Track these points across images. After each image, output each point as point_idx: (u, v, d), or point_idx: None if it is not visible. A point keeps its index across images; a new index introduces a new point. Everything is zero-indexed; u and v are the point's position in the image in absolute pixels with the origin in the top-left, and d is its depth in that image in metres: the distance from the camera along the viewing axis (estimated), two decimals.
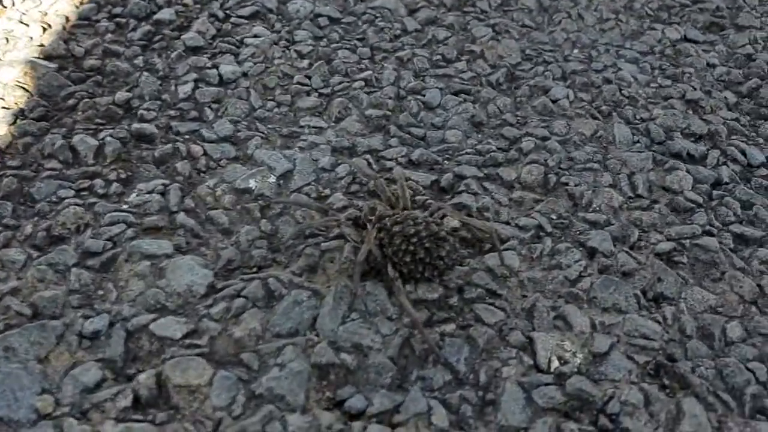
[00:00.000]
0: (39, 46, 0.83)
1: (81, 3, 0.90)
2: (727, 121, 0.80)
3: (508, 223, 0.67)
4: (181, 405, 0.52)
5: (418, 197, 0.69)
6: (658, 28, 0.94)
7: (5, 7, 0.88)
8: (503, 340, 0.58)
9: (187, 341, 0.56)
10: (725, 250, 0.66)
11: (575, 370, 0.56)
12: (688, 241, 0.67)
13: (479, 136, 0.77)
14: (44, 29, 0.86)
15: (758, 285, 0.63)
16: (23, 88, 0.77)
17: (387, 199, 0.65)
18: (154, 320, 0.57)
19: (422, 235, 0.59)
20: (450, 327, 0.58)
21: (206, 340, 0.56)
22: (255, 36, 0.88)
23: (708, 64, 0.90)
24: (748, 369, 0.57)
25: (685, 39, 0.93)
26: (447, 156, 0.74)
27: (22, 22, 0.86)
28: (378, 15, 0.93)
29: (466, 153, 0.74)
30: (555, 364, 0.56)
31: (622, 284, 0.62)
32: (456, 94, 0.82)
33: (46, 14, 0.88)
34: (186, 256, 0.62)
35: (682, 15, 0.97)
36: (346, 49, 0.87)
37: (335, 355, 0.56)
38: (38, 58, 0.81)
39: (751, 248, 0.67)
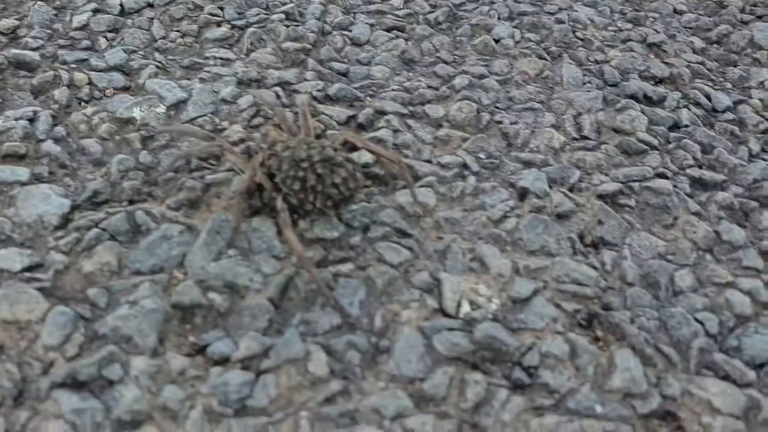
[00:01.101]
0: None
1: None
2: (692, 65, 0.71)
3: (429, 161, 0.58)
4: (7, 343, 0.43)
5: (329, 132, 0.60)
6: None
7: None
8: (407, 282, 0.48)
9: (27, 275, 0.47)
10: (680, 194, 0.57)
11: (489, 316, 0.47)
12: (637, 184, 0.57)
13: (409, 73, 0.68)
14: None
15: (715, 231, 0.54)
16: None
17: (288, 128, 0.56)
18: None
19: (314, 160, 0.50)
20: (347, 267, 0.49)
21: (50, 275, 0.47)
22: None
23: (675, 11, 0.81)
24: (696, 320, 0.47)
25: None
26: (370, 93, 0.65)
27: None
28: None
29: (392, 90, 0.65)
30: (465, 308, 0.47)
31: (555, 226, 0.53)
32: (388, 30, 0.73)
33: None
34: (43, 185, 0.53)
35: None
36: None
37: (202, 294, 0.46)
38: None
39: (710, 193, 0.57)
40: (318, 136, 0.58)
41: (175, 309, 0.46)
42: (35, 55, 0.65)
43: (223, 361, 0.43)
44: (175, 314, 0.46)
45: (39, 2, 0.72)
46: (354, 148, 0.56)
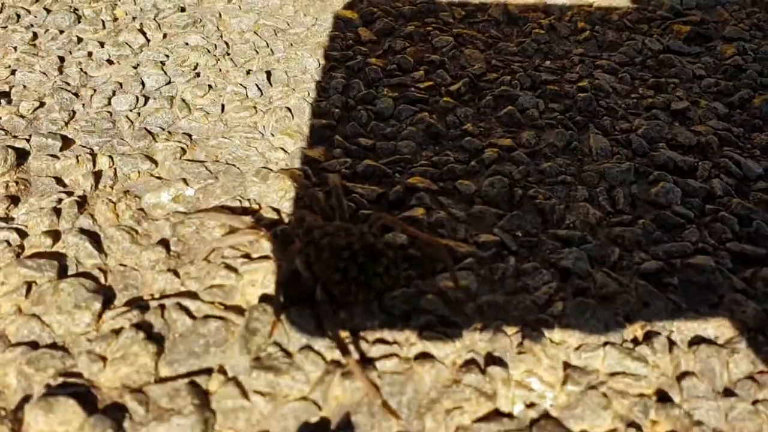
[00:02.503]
0: None
1: None
2: (718, 132, 0.71)
3: (465, 241, 0.57)
4: None
5: (362, 211, 0.59)
6: (638, 39, 0.86)
7: None
8: (455, 380, 0.46)
9: (61, 379, 0.45)
10: (723, 271, 0.55)
11: (543, 413, 0.45)
12: (678, 260, 0.56)
13: (436, 147, 0.67)
14: None
15: (764, 310, 0.53)
16: None
17: (321, 210, 0.55)
18: None
19: (354, 248, 0.48)
20: (391, 363, 0.47)
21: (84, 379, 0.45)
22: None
23: (694, 75, 0.81)
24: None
25: (668, 50, 0.85)
26: (398, 168, 0.64)
27: None
28: (326, 26, 0.85)
29: (421, 165, 0.64)
30: (519, 406, 0.45)
31: (601, 310, 0.51)
32: (412, 104, 0.72)
33: None
34: (72, 278, 0.51)
35: (664, 27, 0.89)
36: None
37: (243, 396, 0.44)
38: None
39: (754, 268, 0.56)
40: (351, 217, 0.57)
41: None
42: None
43: None
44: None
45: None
46: (389, 229, 0.55)
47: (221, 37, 0.81)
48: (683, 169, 0.66)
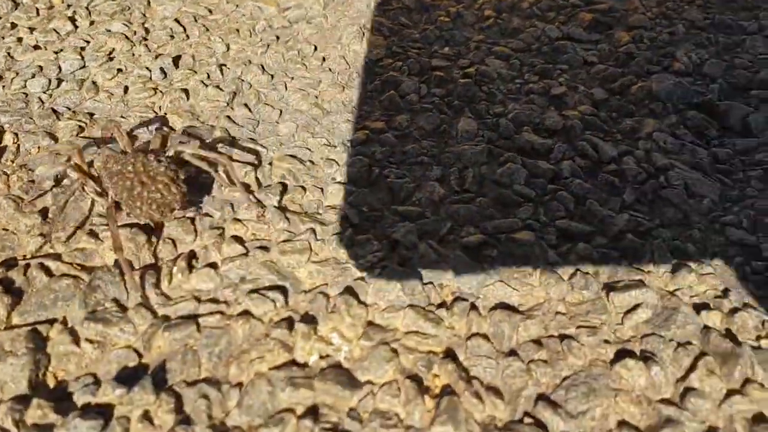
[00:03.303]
0: None
1: None
2: (586, 116, 0.75)
3: (318, 212, 0.63)
4: None
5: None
6: (540, 26, 0.90)
7: None
8: (266, 335, 0.53)
9: None
10: (542, 246, 0.60)
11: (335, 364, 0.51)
12: (503, 235, 0.61)
13: (315, 130, 0.73)
14: None
15: (569, 282, 0.58)
16: None
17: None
18: None
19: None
20: (213, 319, 0.54)
21: None
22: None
23: (585, 62, 0.85)
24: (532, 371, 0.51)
25: (567, 38, 0.89)
26: (274, 148, 0.70)
27: None
28: (244, 13, 0.91)
29: (295, 146, 0.71)
30: (314, 357, 0.52)
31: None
32: (302, 89, 0.78)
33: None
34: None
35: (571, 15, 0.93)
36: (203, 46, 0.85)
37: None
38: None
39: (571, 243, 0.61)
40: None
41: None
42: None
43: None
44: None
45: None
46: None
47: (143, 24, 0.88)
48: (539, 151, 0.71)
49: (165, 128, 0.71)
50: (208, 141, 0.70)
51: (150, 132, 0.71)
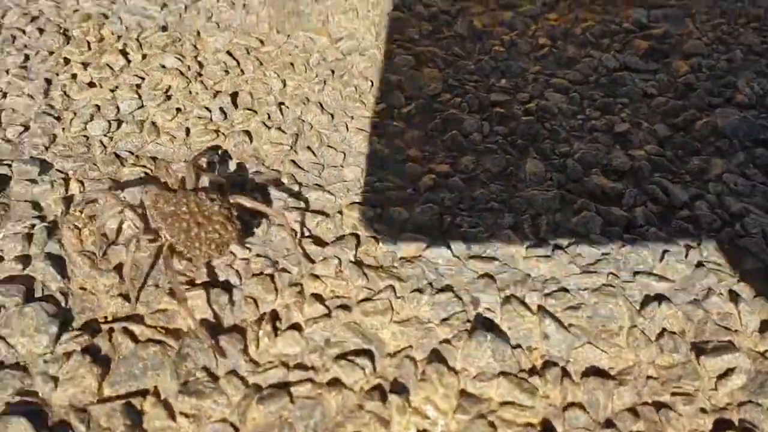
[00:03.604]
0: None
1: None
2: (652, 156, 0.74)
3: (394, 266, 0.63)
4: None
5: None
6: (596, 56, 0.89)
7: None
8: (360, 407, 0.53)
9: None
10: (627, 303, 0.60)
11: None
12: (585, 292, 0.61)
13: (380, 173, 0.73)
14: None
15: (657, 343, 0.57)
16: None
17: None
18: None
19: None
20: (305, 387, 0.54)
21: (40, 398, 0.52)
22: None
23: (645, 94, 0.84)
24: None
25: (624, 67, 0.88)
26: (341, 196, 0.70)
27: None
28: (296, 45, 0.90)
29: (362, 192, 0.70)
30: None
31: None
32: (362, 129, 0.77)
33: None
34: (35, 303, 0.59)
35: (625, 42, 0.92)
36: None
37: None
38: None
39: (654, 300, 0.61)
40: None
41: None
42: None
43: None
44: None
45: None
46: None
47: (196, 57, 0.87)
48: (611, 196, 0.70)
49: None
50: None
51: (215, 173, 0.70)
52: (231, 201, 0.62)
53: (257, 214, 0.65)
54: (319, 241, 0.64)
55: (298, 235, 0.65)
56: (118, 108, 0.79)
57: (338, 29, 0.92)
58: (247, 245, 0.64)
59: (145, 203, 0.64)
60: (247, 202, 0.63)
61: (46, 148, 0.74)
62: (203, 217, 0.59)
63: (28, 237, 0.64)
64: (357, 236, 0.65)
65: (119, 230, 0.65)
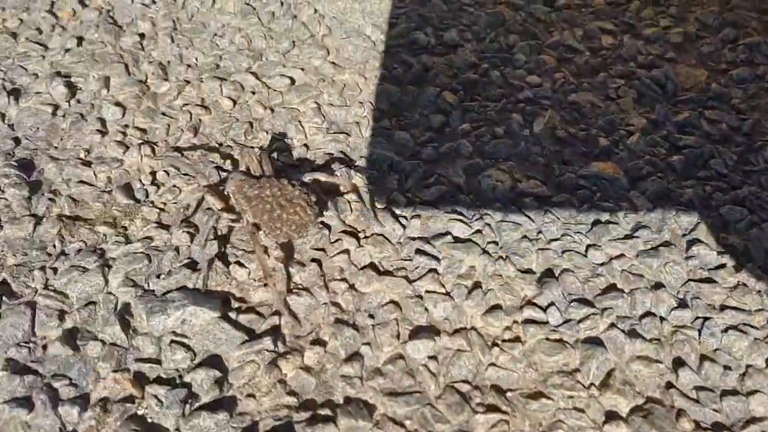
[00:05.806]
0: None
1: None
2: None
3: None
4: None
5: None
6: None
7: None
8: None
9: None
10: None
11: None
12: None
13: None
14: None
15: None
16: None
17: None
18: None
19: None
20: None
21: None
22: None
23: None
24: None
25: None
26: None
27: None
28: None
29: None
30: None
31: None
32: None
33: None
34: None
35: None
36: None
37: None
38: None
39: None
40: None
41: None
42: None
43: None
44: None
45: None
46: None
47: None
48: None
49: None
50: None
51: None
52: (308, 178, 0.68)
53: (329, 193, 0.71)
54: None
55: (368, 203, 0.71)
56: (426, 310, 0.66)
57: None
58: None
59: (228, 189, 0.68)
60: (323, 177, 0.69)
61: (361, 380, 0.61)
62: (285, 200, 0.64)
63: None
64: None
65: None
